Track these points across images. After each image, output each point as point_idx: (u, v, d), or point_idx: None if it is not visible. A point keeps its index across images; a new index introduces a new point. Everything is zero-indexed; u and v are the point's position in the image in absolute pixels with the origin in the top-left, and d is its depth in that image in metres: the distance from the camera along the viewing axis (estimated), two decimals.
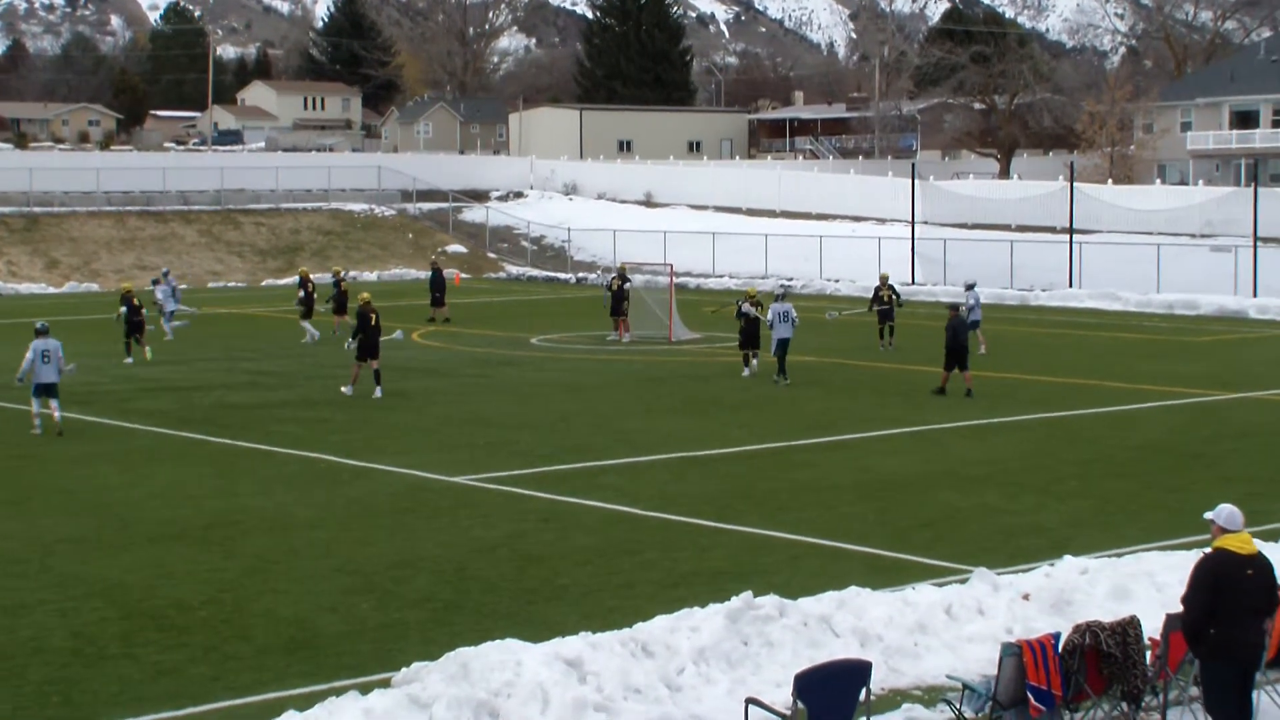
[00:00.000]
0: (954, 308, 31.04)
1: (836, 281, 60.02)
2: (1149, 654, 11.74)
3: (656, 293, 44.06)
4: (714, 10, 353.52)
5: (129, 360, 36.22)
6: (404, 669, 12.06)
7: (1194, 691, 11.48)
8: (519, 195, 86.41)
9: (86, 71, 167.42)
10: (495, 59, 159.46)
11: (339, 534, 18.55)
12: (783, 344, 32.04)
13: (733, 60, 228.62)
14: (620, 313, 41.63)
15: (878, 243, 59.01)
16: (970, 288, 37.84)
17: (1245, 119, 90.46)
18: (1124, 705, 11.57)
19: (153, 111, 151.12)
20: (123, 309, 36.84)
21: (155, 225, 72.35)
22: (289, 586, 16.06)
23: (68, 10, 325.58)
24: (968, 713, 11.42)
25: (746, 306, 33.27)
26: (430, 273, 49.76)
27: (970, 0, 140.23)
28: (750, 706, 11.00)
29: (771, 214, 77.82)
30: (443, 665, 11.81)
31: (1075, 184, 59.07)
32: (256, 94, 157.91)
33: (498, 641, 12.13)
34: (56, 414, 26.24)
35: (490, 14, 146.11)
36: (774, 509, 19.76)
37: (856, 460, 23.53)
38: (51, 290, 62.69)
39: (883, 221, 71.42)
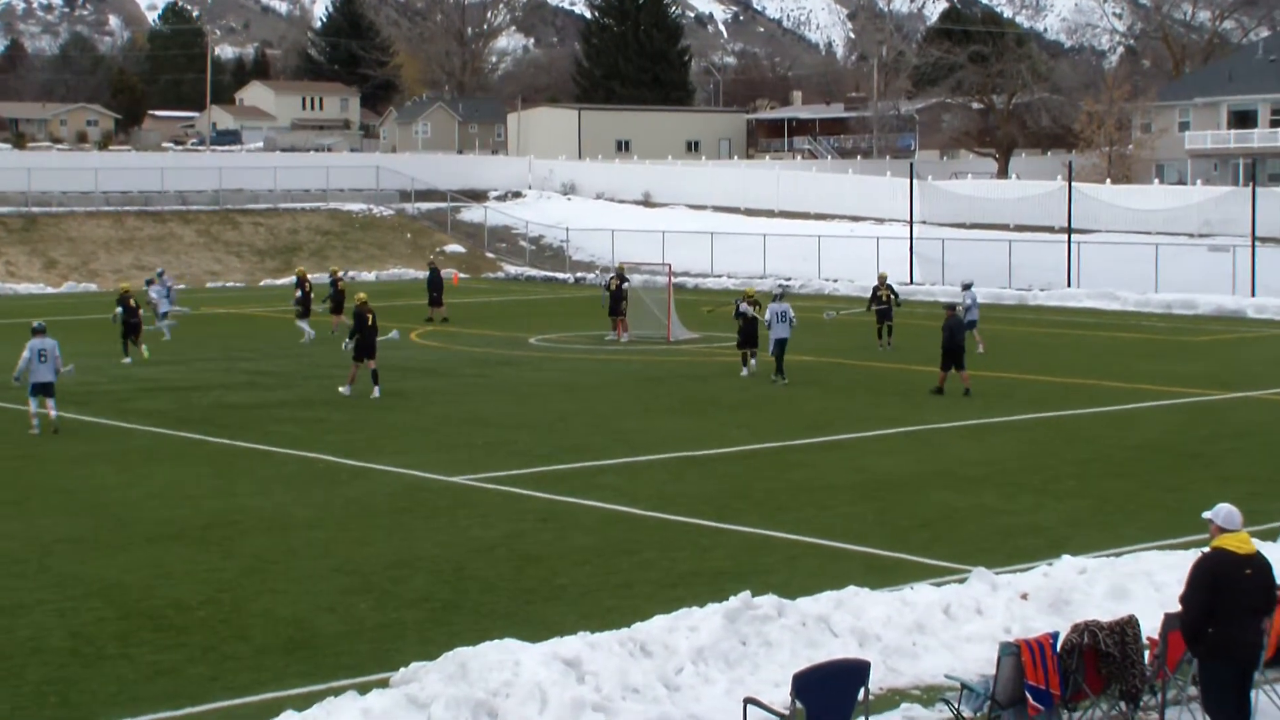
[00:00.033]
0: (950, 307, 31.07)
1: (835, 281, 60.02)
2: (1147, 653, 11.75)
3: (655, 293, 44.05)
4: (712, 10, 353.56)
5: (127, 360, 36.22)
6: (402, 669, 12.06)
7: (1192, 691, 11.48)
8: (517, 195, 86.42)
9: (84, 71, 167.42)
10: (493, 59, 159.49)
11: (337, 534, 18.54)
12: (780, 344, 32.06)
13: (731, 60, 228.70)
14: (618, 312, 41.62)
15: (876, 242, 59.02)
16: (967, 287, 37.85)
17: (1243, 119, 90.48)
18: (1122, 705, 11.57)
19: (151, 111, 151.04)
20: (118, 309, 36.85)
21: (153, 225, 72.34)
22: (287, 586, 16.06)
23: (66, 10, 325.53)
24: (966, 712, 11.42)
25: (744, 306, 33.28)
26: (428, 272, 49.77)
27: (968, 0, 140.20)
28: (748, 706, 11.00)
29: (770, 214, 77.82)
30: (441, 665, 11.80)
31: (1073, 184, 59.07)
32: (255, 94, 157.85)
33: (496, 641, 12.13)
34: (53, 413, 26.26)
35: (488, 14, 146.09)
36: (772, 509, 19.76)
37: (855, 460, 23.53)
38: (50, 290, 62.68)
39: (881, 221, 71.44)
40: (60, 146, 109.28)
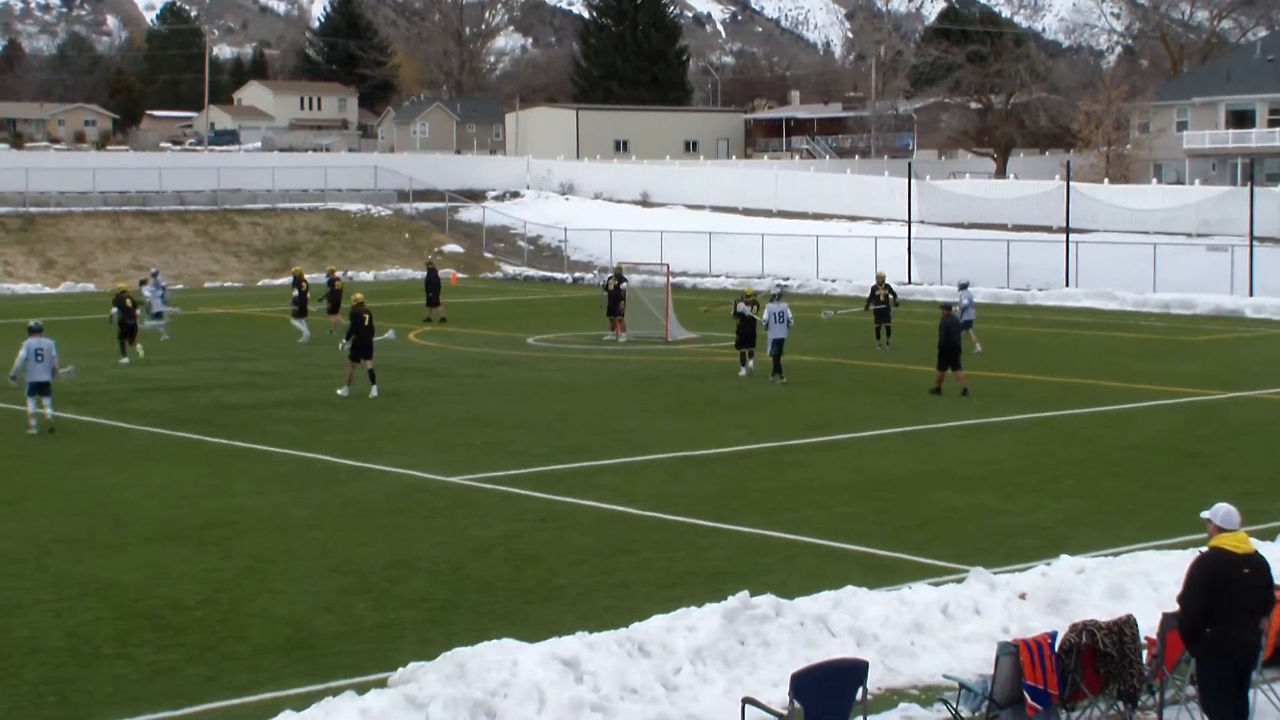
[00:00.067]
0: (947, 307, 31.08)
1: (833, 281, 60.03)
2: (1145, 653, 11.75)
3: (653, 292, 44.05)
4: (710, 10, 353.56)
5: (125, 360, 36.21)
6: (400, 669, 12.06)
7: (1190, 690, 11.48)
8: (515, 195, 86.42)
9: (82, 71, 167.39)
10: (491, 59, 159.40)
11: (335, 534, 18.53)
12: (778, 344, 32.08)
13: (729, 60, 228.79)
14: (617, 312, 41.62)
15: (874, 242, 59.03)
16: (964, 287, 37.86)
17: (1241, 118, 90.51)
18: (1120, 704, 11.57)
19: (149, 111, 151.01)
20: (114, 310, 36.85)
21: (151, 225, 72.32)
22: (285, 586, 16.05)
23: (63, 10, 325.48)
24: (964, 712, 11.42)
25: (742, 306, 33.29)
26: (426, 273, 49.75)
27: (966, 0, 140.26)
28: (747, 706, 10.99)
29: (768, 213, 77.83)
30: (439, 665, 11.80)
31: (1071, 183, 59.08)
32: (253, 94, 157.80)
33: (494, 641, 12.12)
34: (49, 412, 26.28)
35: (486, 14, 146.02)
36: (770, 509, 19.76)
37: (853, 460, 23.53)
38: (47, 290, 62.66)
39: (879, 221, 71.46)
40: (58, 146, 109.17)
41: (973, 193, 72.52)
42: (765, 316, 32.41)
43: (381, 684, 11.98)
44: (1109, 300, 52.14)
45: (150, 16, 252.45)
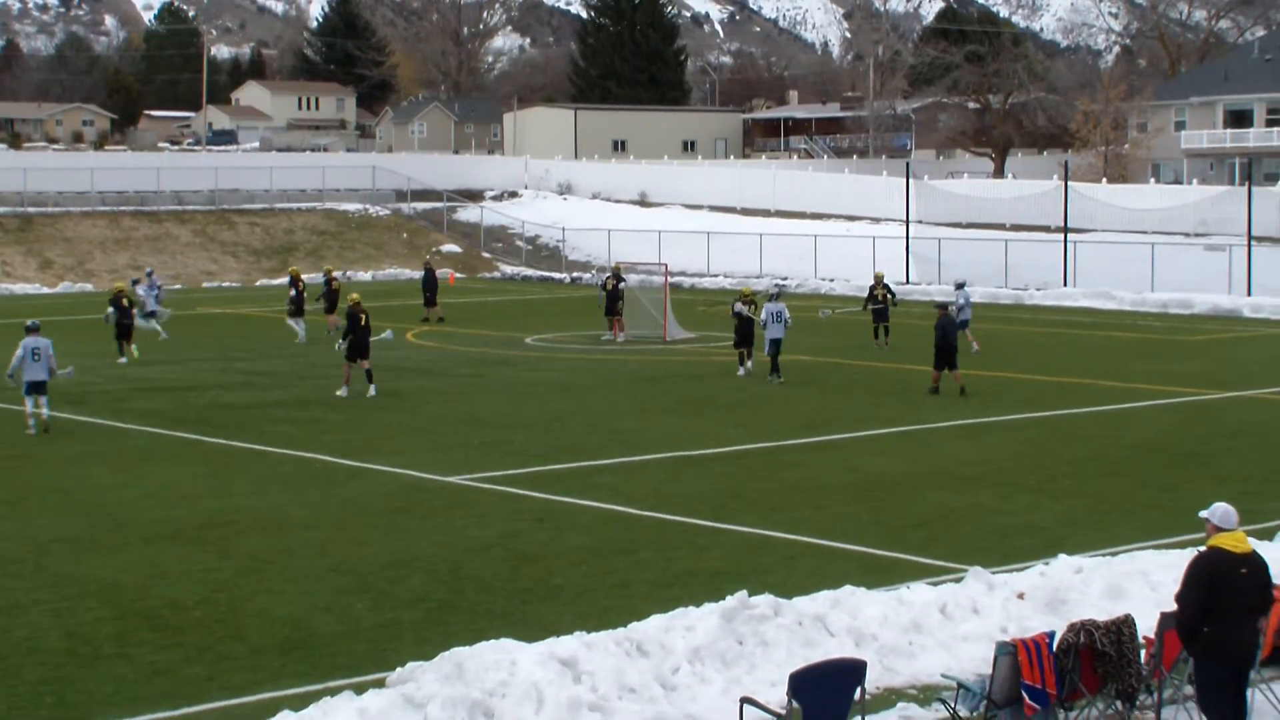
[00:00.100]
0: (943, 306, 31.09)
1: (831, 281, 60.04)
2: (1144, 653, 11.75)
3: (651, 292, 44.05)
4: (708, 10, 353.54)
5: (123, 360, 36.21)
6: (399, 669, 12.05)
7: (1188, 690, 11.49)
8: (514, 195, 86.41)
9: (80, 71, 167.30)
10: (490, 59, 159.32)
11: (334, 534, 18.53)
12: (775, 344, 32.08)
13: (727, 60, 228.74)
14: (615, 312, 41.61)
15: (872, 242, 59.04)
16: (960, 287, 37.87)
17: (1239, 118, 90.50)
18: (1119, 704, 11.57)
19: (147, 111, 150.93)
20: (110, 310, 36.84)
21: (149, 225, 72.30)
22: (284, 586, 16.05)
23: (61, 10, 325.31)
24: (962, 712, 11.42)
25: (740, 306, 33.30)
26: (424, 272, 49.74)
27: (964, 0, 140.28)
28: (745, 706, 10.99)
29: (766, 213, 77.84)
30: (437, 665, 11.80)
31: (1070, 183, 59.09)
32: (251, 94, 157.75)
33: (492, 641, 12.13)
34: (45, 412, 26.29)
35: (484, 14, 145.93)
36: (768, 509, 19.76)
37: (851, 460, 23.53)
38: (46, 290, 62.61)
39: (877, 221, 71.46)
40: (56, 146, 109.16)
41: (971, 192, 72.51)
42: (763, 316, 32.42)
43: (379, 684, 11.98)
44: (1107, 300, 52.15)
45: (148, 16, 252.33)
